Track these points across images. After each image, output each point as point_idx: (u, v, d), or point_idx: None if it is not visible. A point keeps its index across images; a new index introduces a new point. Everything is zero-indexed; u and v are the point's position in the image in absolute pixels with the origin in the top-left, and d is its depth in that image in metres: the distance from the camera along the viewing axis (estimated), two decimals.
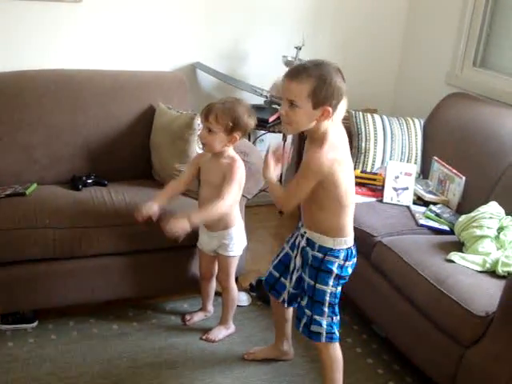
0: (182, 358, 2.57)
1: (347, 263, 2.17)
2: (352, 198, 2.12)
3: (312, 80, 1.92)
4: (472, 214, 2.64)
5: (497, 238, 2.57)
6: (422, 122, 3.42)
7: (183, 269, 2.83)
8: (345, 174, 2.04)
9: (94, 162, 3.04)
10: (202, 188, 2.57)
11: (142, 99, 3.13)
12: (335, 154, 2.00)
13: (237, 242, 2.61)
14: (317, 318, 2.21)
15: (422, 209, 2.97)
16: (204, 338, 2.70)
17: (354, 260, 2.21)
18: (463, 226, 2.62)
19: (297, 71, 1.96)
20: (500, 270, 2.40)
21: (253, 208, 3.64)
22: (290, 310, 2.49)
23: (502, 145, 2.95)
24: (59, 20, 3.22)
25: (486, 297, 2.24)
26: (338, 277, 2.17)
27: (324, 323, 2.21)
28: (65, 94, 3.00)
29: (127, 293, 2.77)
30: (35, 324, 2.69)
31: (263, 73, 3.68)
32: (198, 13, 3.53)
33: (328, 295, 2.18)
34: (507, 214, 2.65)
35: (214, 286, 2.79)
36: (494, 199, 2.75)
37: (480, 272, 2.42)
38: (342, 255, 2.15)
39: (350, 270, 2.20)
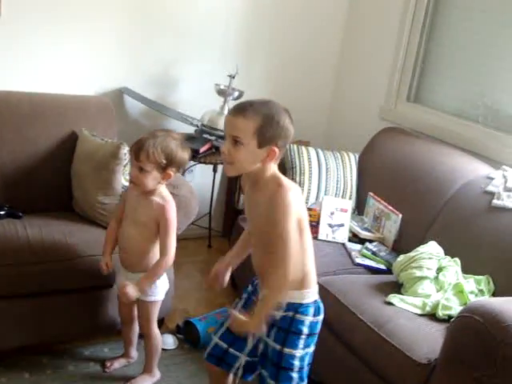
0: None
1: (317, 318, 1.97)
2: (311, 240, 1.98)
3: (259, 117, 1.81)
4: (411, 254, 2.55)
5: (436, 278, 2.49)
6: (357, 157, 3.35)
7: (102, 310, 2.59)
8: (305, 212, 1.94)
9: (8, 192, 2.77)
10: (125, 225, 2.36)
11: (62, 124, 2.90)
12: (297, 188, 1.90)
13: (159, 284, 2.38)
14: None
15: (358, 246, 2.88)
16: None
17: (322, 316, 2.00)
18: (402, 267, 2.53)
19: (243, 107, 1.85)
20: (440, 313, 2.32)
21: (180, 242, 3.44)
22: (230, 378, 2.21)
23: (437, 182, 2.91)
24: None
25: (427, 342, 2.15)
26: (308, 336, 1.95)
27: None
28: None
29: (39, 338, 2.51)
30: None
31: (194, 101, 3.54)
32: (124, 35, 3.33)
33: (297, 360, 1.95)
34: (446, 253, 2.58)
35: (136, 329, 2.55)
36: (431, 237, 2.69)
37: (420, 315, 2.33)
38: (312, 311, 1.95)
39: (319, 326, 1.99)
